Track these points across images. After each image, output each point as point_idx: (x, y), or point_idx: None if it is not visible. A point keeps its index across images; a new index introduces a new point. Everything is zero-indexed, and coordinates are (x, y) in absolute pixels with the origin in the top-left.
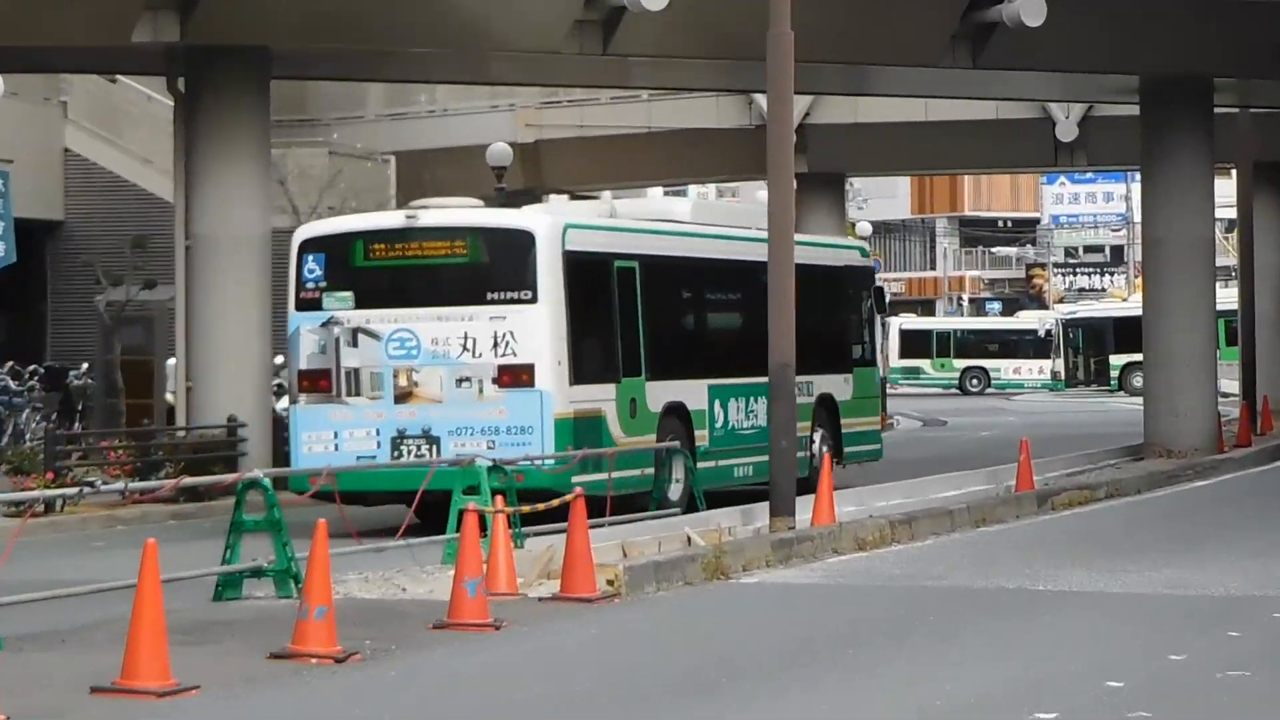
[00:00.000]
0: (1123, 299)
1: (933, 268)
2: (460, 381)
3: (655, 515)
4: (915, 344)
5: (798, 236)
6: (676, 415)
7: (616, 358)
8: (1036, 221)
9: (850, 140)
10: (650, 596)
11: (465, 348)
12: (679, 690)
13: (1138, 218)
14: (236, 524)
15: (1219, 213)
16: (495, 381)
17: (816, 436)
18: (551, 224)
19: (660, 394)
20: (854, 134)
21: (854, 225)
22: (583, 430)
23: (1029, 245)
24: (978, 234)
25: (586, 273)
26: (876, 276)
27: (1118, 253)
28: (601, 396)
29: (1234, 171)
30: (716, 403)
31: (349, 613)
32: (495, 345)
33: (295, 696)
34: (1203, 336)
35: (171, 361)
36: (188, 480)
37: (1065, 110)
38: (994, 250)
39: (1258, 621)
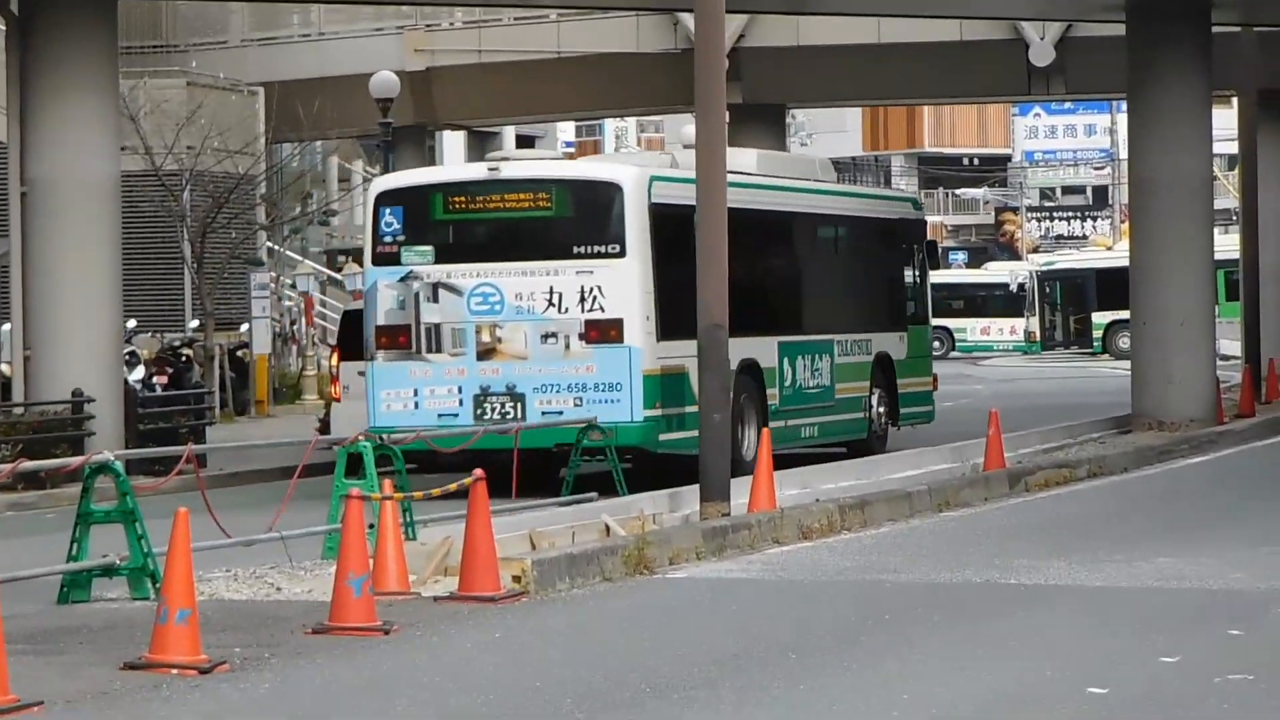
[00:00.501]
0: (1107, 248)
1: None
2: (546, 337)
3: (573, 501)
4: None
5: (851, 188)
6: (750, 373)
7: (686, 313)
8: (1007, 159)
9: (791, 66)
10: (563, 595)
11: (551, 303)
12: (594, 705)
13: (1124, 154)
14: (84, 515)
15: (1218, 148)
16: (582, 337)
17: (874, 398)
18: (639, 175)
19: (737, 350)
20: (796, 59)
21: None
22: (668, 387)
23: (998, 186)
24: (939, 173)
25: (670, 225)
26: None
27: (1101, 194)
28: (684, 353)
29: (1235, 100)
30: (785, 360)
31: (216, 616)
32: (583, 300)
33: (153, 713)
34: (1199, 291)
35: (6, 327)
36: (26, 464)
37: (1040, 30)
38: (958, 192)
39: (1262, 619)
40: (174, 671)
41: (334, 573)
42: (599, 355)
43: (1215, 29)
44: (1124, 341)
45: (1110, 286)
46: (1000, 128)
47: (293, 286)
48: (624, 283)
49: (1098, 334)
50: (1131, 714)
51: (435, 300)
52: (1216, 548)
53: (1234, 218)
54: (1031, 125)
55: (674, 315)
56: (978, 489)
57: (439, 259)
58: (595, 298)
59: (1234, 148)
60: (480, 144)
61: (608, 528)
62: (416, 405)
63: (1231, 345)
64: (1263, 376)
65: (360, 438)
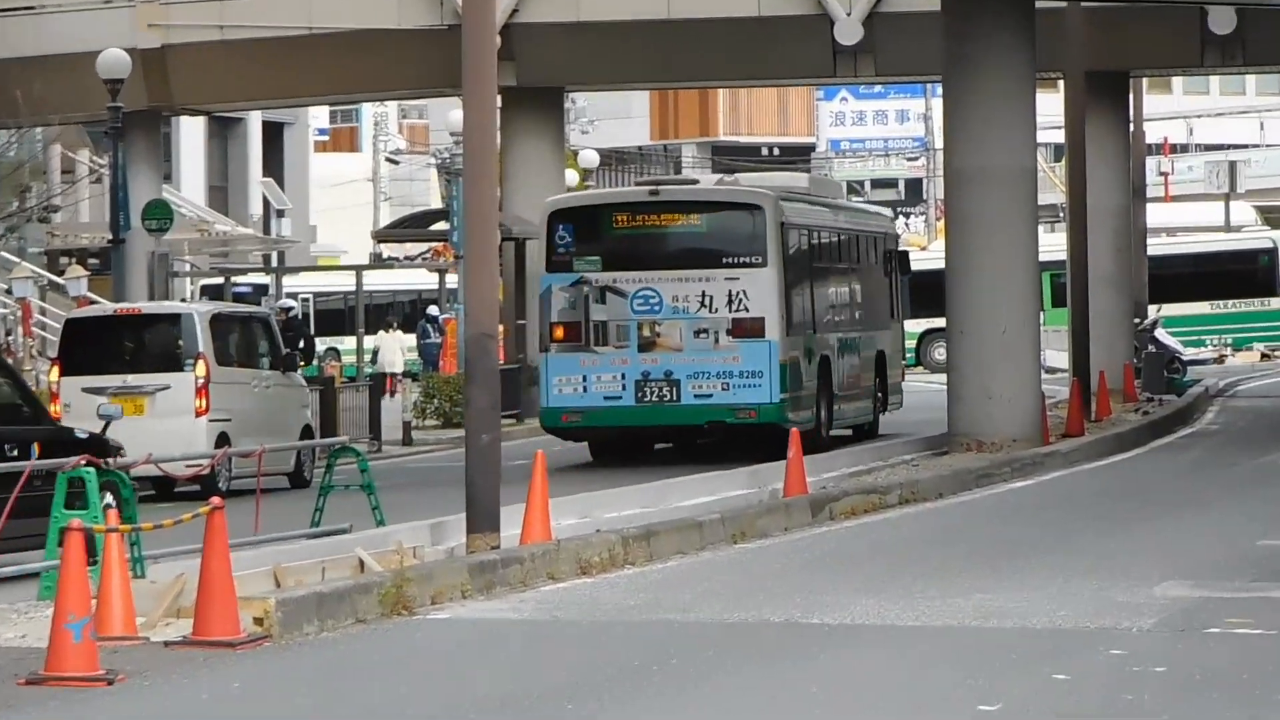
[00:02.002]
0: (921, 248)
1: None
2: (698, 333)
3: (324, 533)
4: None
5: (851, 202)
6: (823, 365)
7: (802, 313)
8: (811, 148)
9: (570, 45)
10: (311, 639)
11: (703, 304)
12: None
13: (940, 143)
14: None
15: (1043, 136)
16: (730, 333)
17: (875, 386)
18: (774, 198)
19: (817, 346)
20: (575, 36)
21: (575, 154)
22: (793, 375)
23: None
24: (736, 164)
25: (789, 240)
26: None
27: (915, 188)
28: (800, 347)
29: (1061, 84)
30: (840, 354)
31: None
32: (730, 302)
33: None
34: (1022, 296)
35: None
36: None
37: (847, 4)
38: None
39: (1090, 660)
40: None
41: (51, 615)
42: (744, 348)
43: (1039, 4)
44: (939, 352)
45: (925, 291)
46: (803, 114)
47: (8, 292)
48: (765, 287)
49: (910, 343)
50: None
51: (602, 302)
52: (1041, 581)
53: (1060, 214)
54: (838, 111)
55: (794, 316)
56: (777, 517)
57: (606, 267)
58: (741, 300)
59: (1060, 136)
60: (222, 131)
61: (362, 563)
62: (585, 389)
63: (1058, 357)
64: (1092, 392)
65: (80, 462)
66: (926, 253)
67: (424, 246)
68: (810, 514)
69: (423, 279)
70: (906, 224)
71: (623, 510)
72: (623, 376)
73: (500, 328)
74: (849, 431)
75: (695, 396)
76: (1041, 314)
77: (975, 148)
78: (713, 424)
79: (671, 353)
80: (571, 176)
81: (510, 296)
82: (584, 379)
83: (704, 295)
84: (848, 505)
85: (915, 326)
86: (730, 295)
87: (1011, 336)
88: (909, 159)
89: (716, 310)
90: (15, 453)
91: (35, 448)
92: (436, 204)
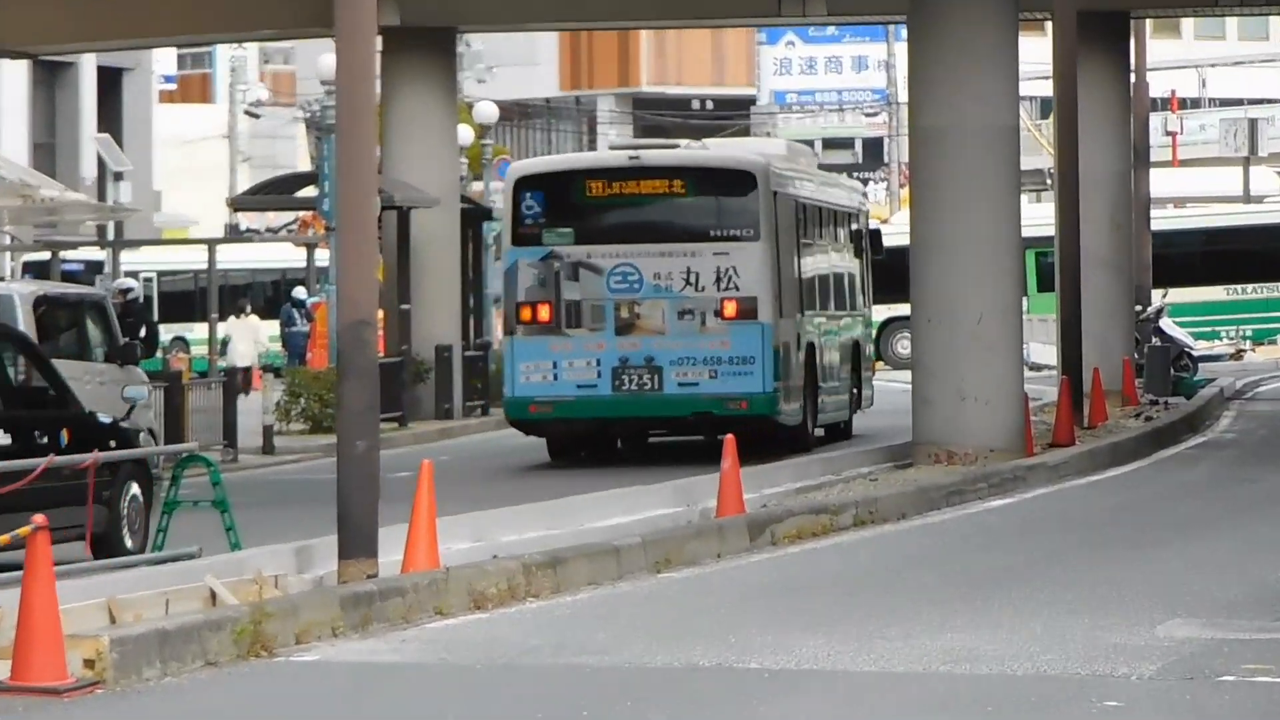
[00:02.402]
0: (882, 220)
1: None
2: (683, 314)
3: (168, 558)
4: None
5: (826, 176)
6: (808, 352)
7: (792, 295)
8: (750, 101)
9: None
10: (152, 685)
11: (688, 281)
12: None
13: (904, 96)
14: None
15: (1027, 89)
16: (718, 314)
17: (850, 379)
18: (765, 164)
19: (804, 332)
20: None
21: (471, 107)
22: (783, 364)
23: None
24: (662, 120)
25: (780, 212)
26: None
27: (875, 149)
28: (791, 331)
29: (1049, 25)
30: (822, 342)
31: None
32: (718, 280)
33: None
34: (1003, 278)
35: None
36: None
37: None
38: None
39: (1081, 713)
40: None
41: None
42: (734, 331)
43: None
44: (903, 345)
45: (888, 272)
46: (742, 61)
47: None
48: (757, 264)
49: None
50: None
51: (575, 279)
52: (1021, 619)
53: (1048, 181)
54: (783, 57)
55: (785, 297)
56: (709, 541)
57: (579, 240)
58: (731, 278)
59: (1048, 88)
60: (49, 77)
61: (214, 594)
62: (556, 376)
63: (1045, 351)
64: (1085, 393)
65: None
66: (889, 226)
67: (289, 216)
68: (748, 537)
69: (288, 255)
70: (864, 193)
71: (525, 532)
72: (598, 363)
73: (380, 313)
74: (821, 431)
75: (679, 385)
76: (1025, 300)
77: (946, 102)
78: (698, 416)
79: (653, 336)
80: (466, 134)
81: (392, 276)
82: (554, 365)
83: (689, 272)
84: (793, 527)
85: (876, 314)
86: (719, 272)
87: (988, 326)
88: (868, 114)
89: (703, 289)
90: (45, 439)
91: (64, 434)
92: (305, 166)
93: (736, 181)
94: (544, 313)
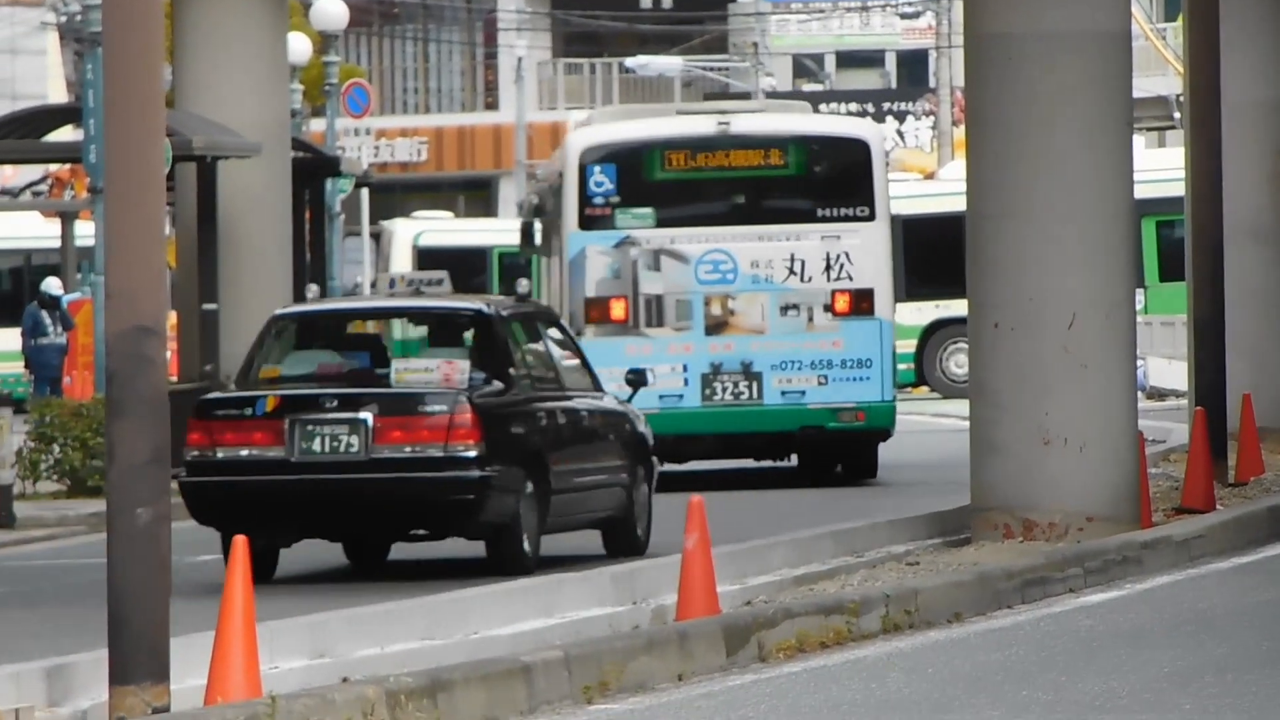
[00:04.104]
0: (926, 174)
1: (494, 107)
2: (786, 309)
3: None
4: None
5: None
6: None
7: (895, 287)
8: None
9: None
10: None
11: (792, 271)
12: None
13: None
14: None
15: None
16: (828, 309)
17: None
18: (879, 132)
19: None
20: None
21: (307, 9)
22: (896, 369)
23: (712, 56)
24: (594, 24)
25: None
26: None
27: (915, 67)
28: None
29: None
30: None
31: None
32: (828, 268)
33: None
34: (1107, 261)
35: None
36: None
37: None
38: (629, 63)
39: None
40: None
41: None
42: (847, 329)
43: None
44: (957, 362)
45: (928, 252)
46: None
47: None
48: (873, 249)
49: (907, 345)
50: None
51: (657, 269)
52: None
53: (1175, 115)
54: None
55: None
56: (665, 656)
57: (660, 224)
58: (843, 265)
59: None
60: None
61: None
62: None
63: (1169, 370)
64: (1230, 433)
65: None
66: (934, 183)
67: (36, 172)
68: (724, 650)
69: (33, 230)
70: (899, 133)
71: (391, 644)
72: (684, 369)
73: (172, 317)
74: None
75: (783, 395)
76: (1140, 294)
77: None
78: (806, 430)
79: (750, 335)
80: (301, 46)
81: (190, 261)
82: None
83: (793, 259)
84: (791, 635)
85: (916, 315)
86: (829, 259)
87: (1086, 333)
88: (904, 15)
89: (810, 279)
90: None
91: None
92: (59, 96)
93: (847, 152)
94: (618, 309)
